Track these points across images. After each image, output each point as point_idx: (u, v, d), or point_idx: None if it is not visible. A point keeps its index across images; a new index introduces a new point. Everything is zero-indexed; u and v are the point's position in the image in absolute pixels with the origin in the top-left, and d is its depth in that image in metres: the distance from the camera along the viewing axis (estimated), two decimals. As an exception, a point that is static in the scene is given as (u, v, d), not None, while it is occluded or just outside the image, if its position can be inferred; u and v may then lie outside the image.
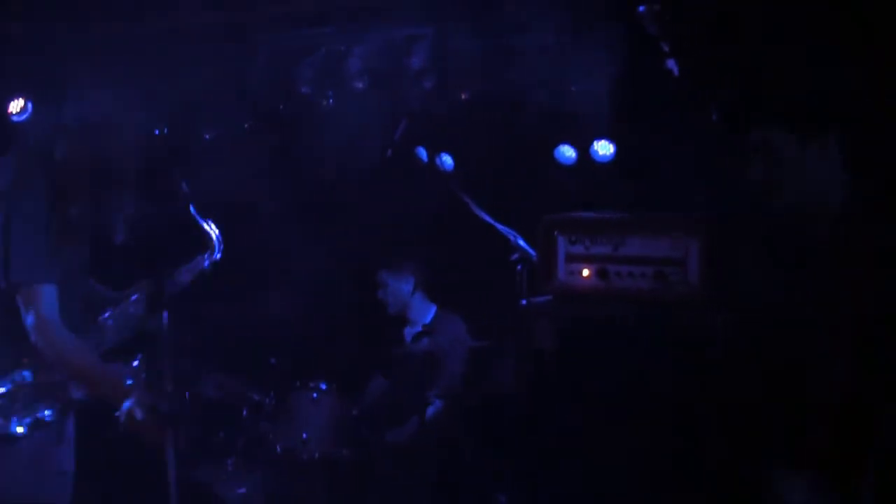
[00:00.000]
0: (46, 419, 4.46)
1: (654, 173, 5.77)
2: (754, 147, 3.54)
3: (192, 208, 4.80)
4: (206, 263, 4.90)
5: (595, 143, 6.29)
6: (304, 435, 6.25)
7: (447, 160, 6.83)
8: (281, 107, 6.53)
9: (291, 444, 6.28)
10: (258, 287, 7.19)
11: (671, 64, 5.30)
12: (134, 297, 4.77)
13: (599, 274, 5.00)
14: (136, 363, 4.74)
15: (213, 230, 4.88)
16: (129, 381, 4.63)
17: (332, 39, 5.77)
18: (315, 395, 6.37)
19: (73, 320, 4.48)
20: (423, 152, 6.83)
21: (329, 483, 6.33)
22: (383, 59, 5.82)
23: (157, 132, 6.30)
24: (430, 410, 6.55)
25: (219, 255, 4.89)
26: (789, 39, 4.79)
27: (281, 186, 6.77)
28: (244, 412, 6.61)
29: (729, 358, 4.58)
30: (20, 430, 4.39)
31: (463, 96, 6.20)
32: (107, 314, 4.69)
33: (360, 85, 5.91)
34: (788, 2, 4.63)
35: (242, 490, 6.36)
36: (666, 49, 5.29)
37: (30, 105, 6.25)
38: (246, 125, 6.98)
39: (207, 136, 7.18)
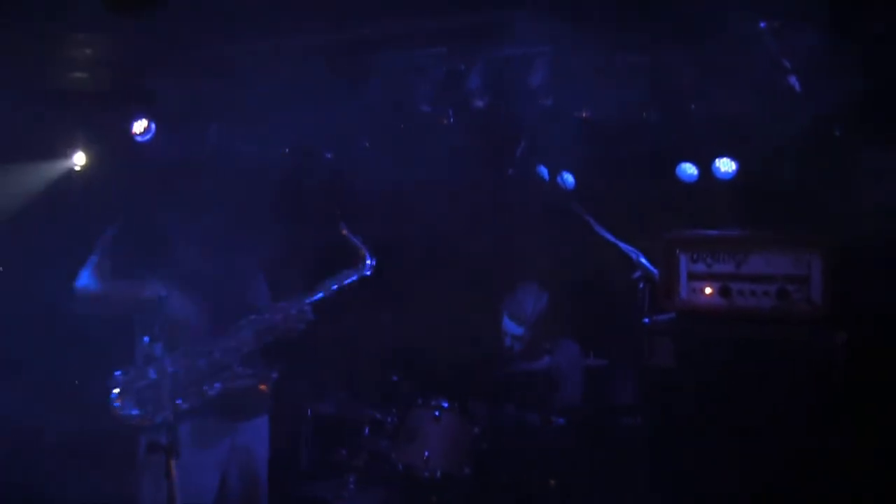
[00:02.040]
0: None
1: (776, 191, 5.71)
2: (879, 167, 3.49)
3: (343, 226, 5.00)
4: (354, 277, 5.07)
5: (717, 160, 6.24)
6: (426, 453, 6.27)
7: (568, 178, 6.83)
8: (402, 125, 6.58)
9: (413, 462, 6.30)
10: (383, 305, 7.26)
11: (793, 80, 5.25)
12: (282, 306, 4.91)
13: (722, 292, 4.96)
14: (274, 376, 4.85)
15: (363, 247, 5.03)
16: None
17: (451, 58, 5.81)
18: (437, 412, 6.39)
19: (220, 319, 4.70)
20: (544, 171, 6.84)
21: (450, 501, 6.34)
22: (503, 78, 5.84)
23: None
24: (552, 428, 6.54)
25: (368, 272, 5.03)
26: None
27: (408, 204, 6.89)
28: (366, 430, 6.67)
29: (851, 376, 4.51)
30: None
31: (584, 114, 6.19)
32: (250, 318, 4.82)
33: (480, 103, 5.94)
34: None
35: (364, 507, 6.42)
36: (788, 66, 5.24)
37: (153, 126, 6.52)
38: (366, 144, 7.06)
39: (329, 155, 7.29)
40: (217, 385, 4.61)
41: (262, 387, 4.76)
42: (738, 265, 4.96)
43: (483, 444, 6.45)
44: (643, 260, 5.51)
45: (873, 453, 4.46)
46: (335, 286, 5.01)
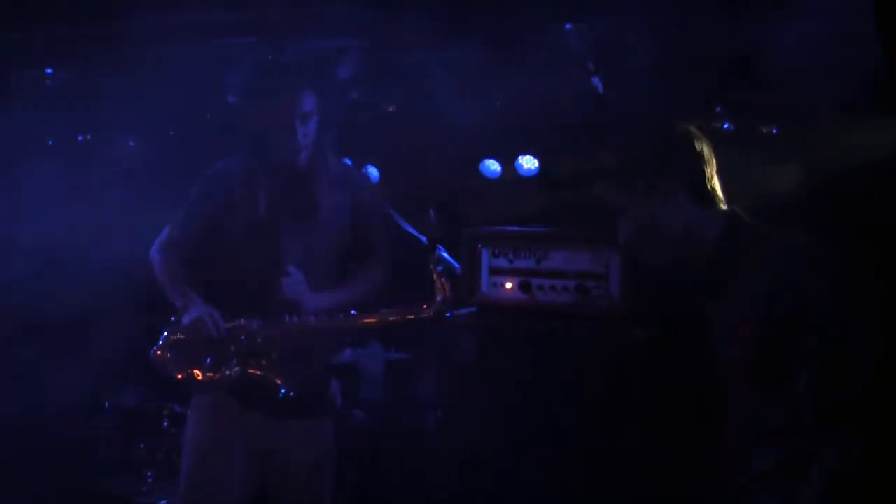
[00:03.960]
0: None
1: (577, 188, 5.81)
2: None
3: None
4: None
5: (520, 157, 6.31)
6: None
7: (373, 171, 6.82)
8: (209, 115, 6.50)
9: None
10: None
11: (596, 81, 5.35)
12: None
13: (522, 287, 5.04)
14: None
15: None
16: None
17: (259, 48, 5.75)
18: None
19: None
20: (349, 164, 6.82)
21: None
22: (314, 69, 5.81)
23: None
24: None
25: None
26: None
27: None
28: (165, 423, 6.56)
29: (648, 372, 4.63)
30: None
31: (390, 108, 6.21)
32: None
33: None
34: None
35: (163, 503, 6.30)
36: (591, 67, 5.34)
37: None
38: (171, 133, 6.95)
39: (132, 143, 7.16)
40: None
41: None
42: (538, 261, 5.04)
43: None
44: (445, 254, 5.54)
45: (667, 447, 4.59)
46: None
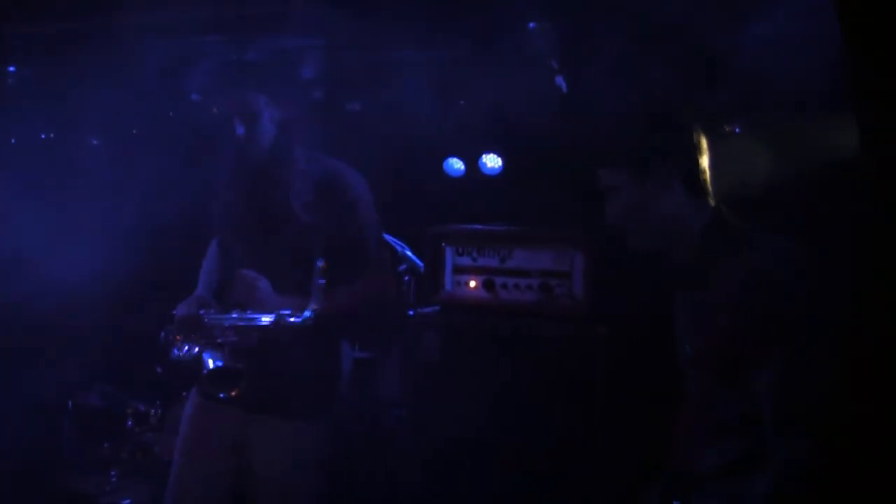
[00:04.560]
0: None
1: (541, 188, 5.83)
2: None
3: None
4: None
5: (484, 156, 6.33)
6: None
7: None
8: (171, 114, 6.47)
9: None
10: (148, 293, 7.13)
11: (559, 80, 5.37)
12: None
13: (486, 286, 5.05)
14: None
15: None
16: None
17: (224, 47, 5.73)
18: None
19: None
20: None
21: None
22: (274, 69, 5.80)
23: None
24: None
25: None
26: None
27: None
28: (129, 422, 6.54)
29: (610, 369, 4.65)
30: None
31: (353, 108, 6.20)
32: None
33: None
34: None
35: (127, 502, 6.28)
36: (555, 66, 5.36)
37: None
38: (134, 131, 6.92)
39: (95, 141, 7.12)
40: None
41: None
42: (502, 260, 5.06)
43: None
44: (409, 253, 5.55)
45: (629, 442, 4.61)
46: None
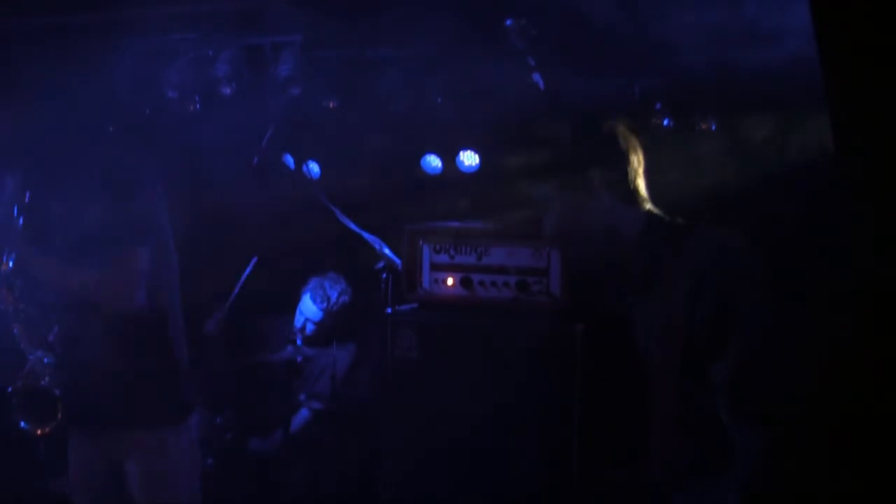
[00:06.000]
0: None
1: (519, 185, 5.83)
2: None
3: None
4: None
5: (461, 153, 6.32)
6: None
7: (314, 167, 6.79)
8: (147, 111, 6.44)
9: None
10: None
11: (536, 77, 5.37)
12: None
13: (463, 283, 5.05)
14: None
15: None
16: None
17: (200, 44, 5.72)
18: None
19: None
20: (289, 159, 6.78)
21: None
22: (251, 66, 5.79)
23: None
24: (296, 419, 6.49)
25: None
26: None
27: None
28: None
29: (587, 366, 4.66)
30: None
31: (331, 104, 6.20)
32: None
33: (227, 90, 5.86)
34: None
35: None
36: (532, 63, 5.36)
37: None
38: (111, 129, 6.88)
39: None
40: None
41: None
42: (479, 257, 5.06)
43: (226, 433, 6.39)
44: (386, 250, 5.54)
45: (607, 439, 4.63)
46: None
